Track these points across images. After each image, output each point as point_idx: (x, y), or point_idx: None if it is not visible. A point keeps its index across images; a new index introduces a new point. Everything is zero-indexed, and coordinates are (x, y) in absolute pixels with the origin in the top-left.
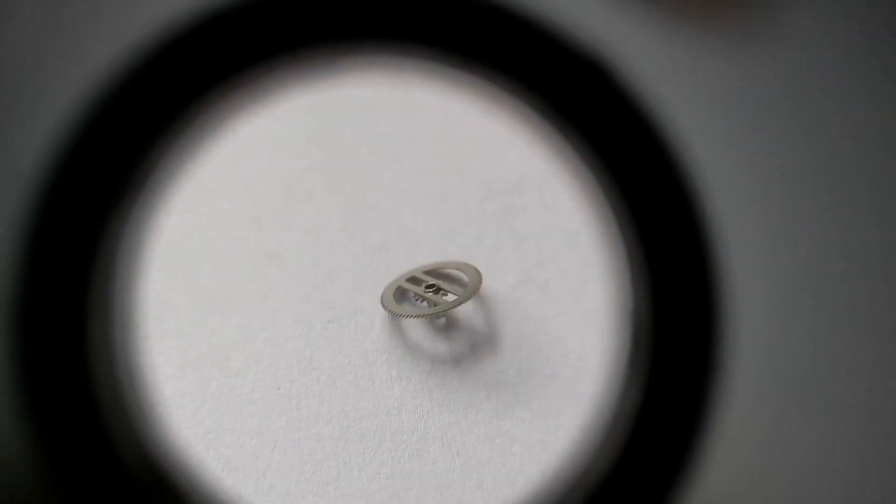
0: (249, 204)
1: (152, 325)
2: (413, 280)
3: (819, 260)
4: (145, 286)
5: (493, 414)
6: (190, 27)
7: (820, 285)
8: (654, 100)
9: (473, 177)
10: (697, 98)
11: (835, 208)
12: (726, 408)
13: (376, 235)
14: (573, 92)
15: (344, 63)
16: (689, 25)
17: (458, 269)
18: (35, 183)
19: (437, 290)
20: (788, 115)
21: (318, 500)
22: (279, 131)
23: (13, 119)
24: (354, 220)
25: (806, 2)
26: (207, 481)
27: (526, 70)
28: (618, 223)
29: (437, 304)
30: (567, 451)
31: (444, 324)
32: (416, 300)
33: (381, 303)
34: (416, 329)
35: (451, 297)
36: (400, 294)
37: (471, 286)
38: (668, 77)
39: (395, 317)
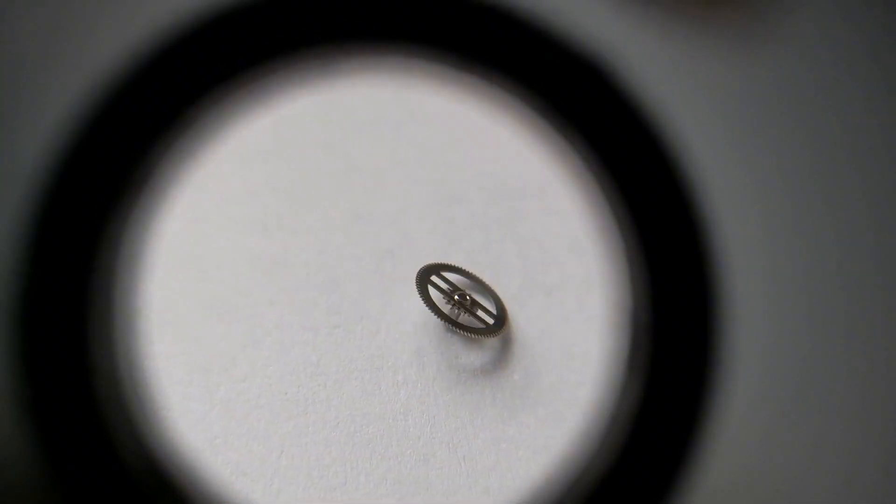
0: (257, 210)
1: (161, 330)
2: (448, 279)
3: (817, 260)
4: (149, 289)
5: (498, 419)
6: (192, 28)
7: (818, 285)
8: (654, 100)
9: (478, 182)
10: (696, 98)
11: (833, 209)
12: (725, 407)
13: (382, 241)
14: (572, 93)
15: (346, 65)
16: (688, 26)
17: (491, 293)
18: (37, 184)
19: (472, 303)
20: (787, 116)
21: None
22: (286, 138)
23: (15, 120)
24: (360, 226)
25: (804, 3)
26: (208, 482)
27: (525, 71)
28: (617, 224)
29: (464, 314)
30: (565, 452)
31: (448, 330)
32: (447, 300)
33: (417, 282)
34: (419, 336)
35: (478, 318)
36: (430, 280)
37: (499, 320)
38: (668, 78)
39: (426, 303)
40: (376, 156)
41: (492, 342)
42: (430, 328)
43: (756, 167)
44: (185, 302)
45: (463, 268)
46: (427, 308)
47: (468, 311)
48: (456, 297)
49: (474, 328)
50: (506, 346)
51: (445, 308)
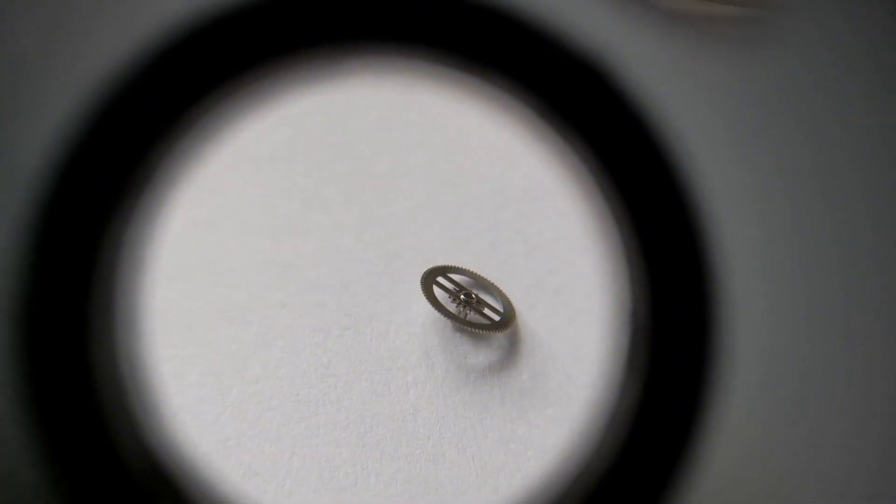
0: (268, 215)
1: (174, 333)
2: (453, 279)
3: (816, 260)
4: (162, 293)
5: (507, 419)
6: (195, 28)
7: (817, 285)
8: (653, 101)
9: (487, 186)
10: (695, 99)
11: (832, 209)
12: (724, 407)
13: (392, 244)
14: (572, 94)
15: (350, 69)
16: (687, 28)
17: (496, 290)
18: (40, 186)
19: (478, 302)
20: (787, 116)
21: None
22: (297, 143)
23: (17, 120)
24: (370, 230)
25: (804, 4)
26: (210, 483)
27: (526, 73)
28: (616, 224)
29: (471, 313)
30: (565, 451)
31: (475, 299)
32: (453, 300)
33: (421, 284)
34: (428, 337)
35: (485, 316)
36: (436, 282)
37: (506, 316)
38: (667, 79)
39: (432, 304)
40: (386, 160)
41: (500, 339)
42: (438, 329)
43: (755, 167)
44: (198, 305)
45: (466, 268)
46: (434, 309)
47: (474, 310)
48: (462, 296)
49: (482, 324)
50: (514, 347)
51: (452, 308)
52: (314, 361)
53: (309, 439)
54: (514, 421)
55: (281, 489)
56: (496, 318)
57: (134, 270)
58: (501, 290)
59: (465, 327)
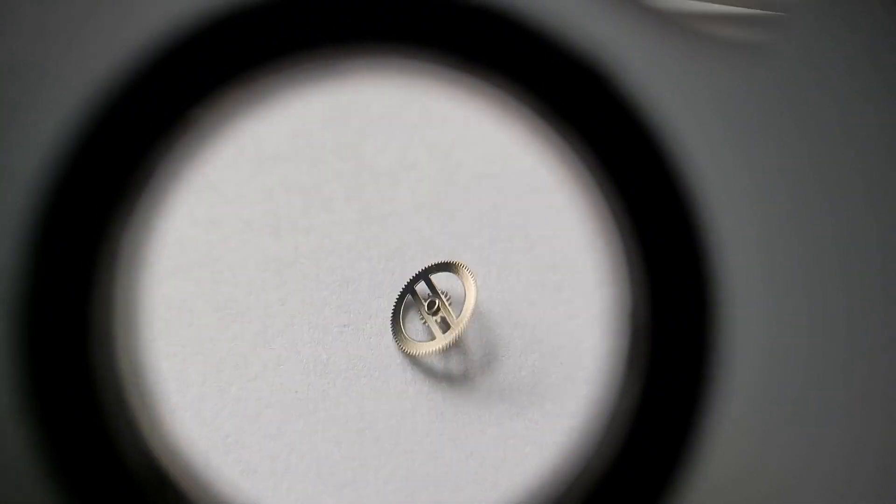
0: (268, 212)
1: (174, 330)
2: (414, 295)
3: (816, 260)
4: (163, 291)
5: (506, 416)
6: (196, 29)
7: (817, 285)
8: (653, 102)
9: (487, 183)
10: (696, 100)
11: (833, 209)
12: (723, 407)
13: (391, 241)
14: (571, 95)
15: (349, 68)
16: (687, 28)
17: (448, 271)
18: (40, 184)
19: (438, 309)
20: (787, 119)
21: (336, 502)
22: (297, 141)
23: (17, 120)
24: (370, 227)
25: (805, 6)
26: (210, 483)
27: (526, 74)
28: (616, 225)
29: (442, 326)
30: (563, 449)
31: (435, 309)
32: (422, 321)
33: (398, 344)
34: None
35: (452, 315)
36: (405, 311)
37: (467, 300)
38: (667, 79)
39: (414, 355)
40: (385, 157)
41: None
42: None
43: (756, 167)
44: (199, 303)
45: (410, 282)
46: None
47: (439, 314)
48: (428, 314)
49: (453, 333)
50: (514, 344)
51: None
52: (314, 358)
53: (308, 436)
54: (513, 417)
55: (280, 486)
56: (458, 305)
57: (134, 268)
58: (450, 264)
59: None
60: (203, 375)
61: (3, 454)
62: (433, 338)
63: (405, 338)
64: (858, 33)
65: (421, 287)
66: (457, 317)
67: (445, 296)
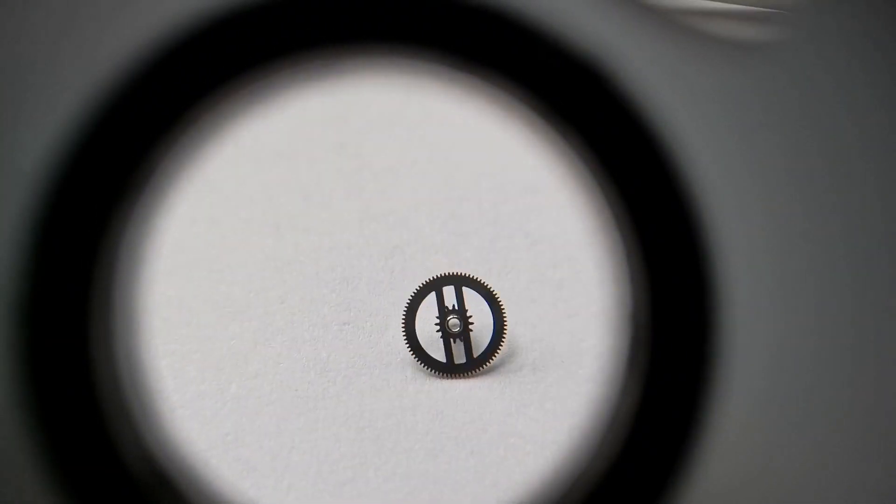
0: (268, 211)
1: (174, 329)
2: (440, 297)
3: (818, 260)
4: (163, 290)
5: (507, 414)
6: (197, 28)
7: (819, 285)
8: (654, 102)
9: (487, 181)
10: (696, 99)
11: (835, 211)
12: (724, 408)
13: (392, 239)
14: (572, 95)
15: (349, 68)
16: (689, 28)
17: (479, 293)
18: (40, 185)
19: (462, 330)
20: (788, 119)
21: (335, 500)
22: (297, 140)
23: (17, 119)
24: (370, 225)
25: (808, 5)
26: (209, 482)
27: (526, 74)
28: (616, 225)
29: (461, 347)
30: (563, 449)
31: (461, 330)
32: (438, 331)
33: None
34: (429, 333)
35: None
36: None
37: (496, 333)
38: (668, 79)
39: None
40: (386, 156)
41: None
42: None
43: (757, 166)
44: (199, 301)
45: (486, 283)
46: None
47: (452, 336)
48: (449, 320)
49: (438, 363)
50: (515, 342)
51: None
52: (314, 356)
53: (308, 434)
54: (514, 415)
55: (280, 484)
56: (461, 359)
57: (134, 267)
58: (503, 323)
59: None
60: (203, 373)
61: (2, 454)
62: (447, 352)
63: (418, 344)
64: (863, 32)
65: (447, 291)
66: (481, 351)
67: (469, 316)
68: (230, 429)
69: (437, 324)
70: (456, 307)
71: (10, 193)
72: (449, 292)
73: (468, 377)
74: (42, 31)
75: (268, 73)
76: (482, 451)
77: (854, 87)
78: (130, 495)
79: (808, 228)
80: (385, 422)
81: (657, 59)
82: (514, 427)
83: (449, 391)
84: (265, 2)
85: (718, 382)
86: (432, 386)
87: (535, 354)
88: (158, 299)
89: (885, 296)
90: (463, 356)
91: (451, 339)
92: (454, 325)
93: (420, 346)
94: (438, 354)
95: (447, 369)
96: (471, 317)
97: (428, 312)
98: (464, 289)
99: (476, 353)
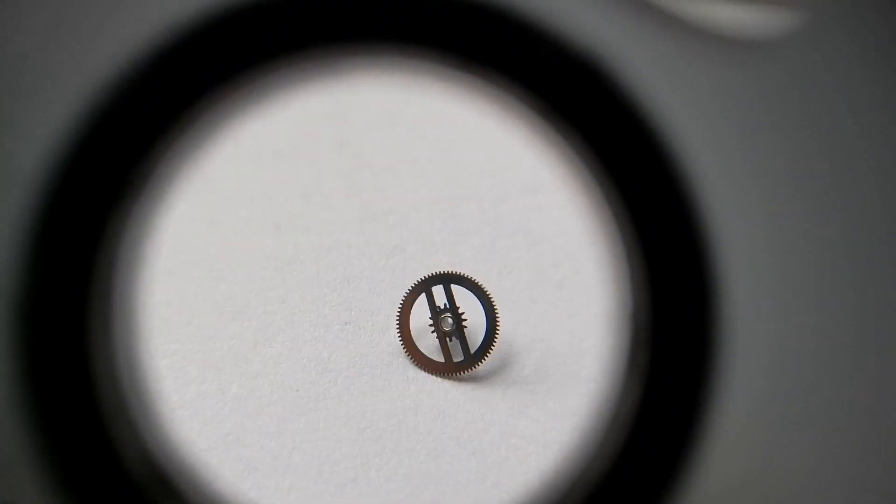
0: (268, 211)
1: (175, 329)
2: (430, 298)
3: (819, 261)
4: (163, 290)
5: (508, 414)
6: (197, 28)
7: (820, 286)
8: (654, 102)
9: (487, 180)
10: (697, 99)
11: (836, 211)
12: (724, 408)
13: (392, 238)
14: (572, 94)
15: (349, 66)
16: (690, 28)
17: (471, 291)
18: (40, 184)
19: (454, 329)
20: (790, 118)
21: (337, 500)
22: (297, 139)
23: (17, 119)
24: (370, 224)
25: (810, 3)
26: (209, 483)
27: (526, 73)
28: (617, 225)
29: (458, 347)
30: (565, 450)
31: (454, 328)
32: (433, 331)
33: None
34: (429, 333)
35: (469, 344)
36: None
37: (488, 332)
38: (670, 79)
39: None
40: (386, 155)
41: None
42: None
43: (757, 166)
44: (199, 301)
45: (472, 278)
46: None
47: (445, 336)
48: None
49: (433, 362)
50: (516, 342)
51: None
52: (314, 356)
53: (309, 434)
54: (516, 416)
55: (281, 484)
56: (458, 357)
57: (134, 267)
58: (495, 319)
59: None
60: (204, 373)
61: (2, 454)
62: (443, 353)
63: (415, 347)
64: (864, 30)
65: (437, 290)
66: (477, 347)
67: (461, 313)
68: (231, 429)
69: (430, 325)
70: (447, 306)
71: (10, 193)
72: (438, 291)
73: (469, 375)
74: (41, 31)
75: (268, 72)
76: (484, 452)
77: (855, 86)
78: (129, 495)
79: (809, 228)
80: (386, 422)
81: (657, 58)
82: (515, 427)
83: (450, 391)
84: (266, 1)
85: (718, 382)
86: (434, 386)
87: (536, 354)
88: (159, 299)
89: (885, 295)
90: (461, 354)
91: (447, 339)
92: (447, 325)
93: (417, 348)
94: (437, 356)
95: (446, 369)
96: (463, 314)
97: (421, 313)
98: (453, 287)
99: (473, 349)
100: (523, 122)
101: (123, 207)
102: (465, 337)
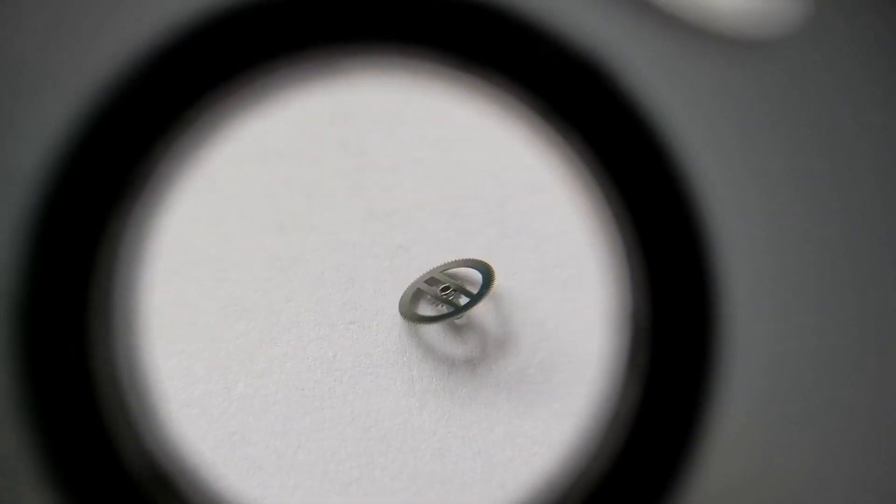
0: (273, 210)
1: (181, 329)
2: (430, 282)
3: (819, 261)
4: (169, 289)
5: (514, 414)
6: (197, 27)
7: (820, 286)
8: (655, 102)
9: (491, 180)
10: (697, 98)
11: (836, 211)
12: (724, 408)
13: (396, 238)
14: (572, 94)
15: (350, 66)
16: (690, 27)
17: (473, 267)
18: (40, 184)
19: (454, 290)
20: (790, 117)
21: (341, 499)
22: (301, 138)
23: (17, 118)
24: (375, 223)
25: (810, 3)
26: (209, 483)
27: (526, 73)
28: (617, 225)
29: (454, 307)
30: (566, 450)
31: (464, 324)
32: (434, 303)
33: (399, 310)
34: (434, 330)
35: (465, 299)
36: (416, 297)
37: (484, 285)
38: (670, 79)
39: (413, 323)
40: (390, 154)
41: (491, 308)
42: (446, 323)
43: (758, 166)
44: (205, 301)
45: (432, 271)
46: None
47: (455, 295)
48: (440, 294)
49: (466, 305)
50: (521, 342)
51: (439, 310)
52: (320, 355)
53: (314, 433)
54: (521, 416)
55: (286, 483)
56: (475, 289)
57: (136, 267)
58: (476, 261)
59: (459, 317)
60: (209, 373)
61: (2, 454)
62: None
63: (411, 309)
64: (864, 30)
65: (431, 280)
66: (475, 291)
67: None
68: (236, 428)
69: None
70: (444, 288)
71: (10, 193)
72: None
73: (472, 368)
74: (41, 31)
75: (268, 72)
76: (489, 452)
77: (855, 86)
78: (130, 495)
79: (808, 228)
80: (391, 421)
81: (657, 58)
82: (521, 427)
83: (456, 391)
84: (266, 1)
85: (718, 382)
86: (439, 385)
87: (541, 354)
88: (164, 299)
89: (885, 295)
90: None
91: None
92: (451, 294)
93: (424, 315)
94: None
95: (456, 311)
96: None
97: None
98: (443, 274)
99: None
100: (525, 121)
101: (123, 207)
102: (465, 290)
